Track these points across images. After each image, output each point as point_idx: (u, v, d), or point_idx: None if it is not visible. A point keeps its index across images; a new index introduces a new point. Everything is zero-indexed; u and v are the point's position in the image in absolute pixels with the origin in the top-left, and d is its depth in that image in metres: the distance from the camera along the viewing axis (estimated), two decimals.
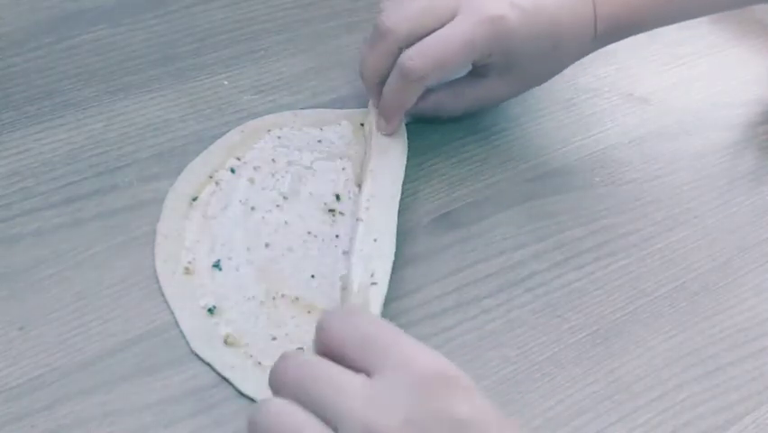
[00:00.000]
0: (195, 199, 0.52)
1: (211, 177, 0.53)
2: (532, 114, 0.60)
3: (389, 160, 0.53)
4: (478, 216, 0.54)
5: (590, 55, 0.64)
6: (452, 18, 0.51)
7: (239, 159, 0.54)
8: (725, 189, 0.58)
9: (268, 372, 0.44)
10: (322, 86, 0.60)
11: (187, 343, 0.45)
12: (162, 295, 0.47)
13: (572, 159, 0.57)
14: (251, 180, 0.53)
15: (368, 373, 0.35)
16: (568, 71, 0.63)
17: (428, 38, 0.50)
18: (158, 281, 0.48)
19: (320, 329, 0.38)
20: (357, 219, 0.50)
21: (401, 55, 0.51)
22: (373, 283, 0.47)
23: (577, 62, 0.64)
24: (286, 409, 0.35)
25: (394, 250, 0.49)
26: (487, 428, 0.34)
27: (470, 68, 0.56)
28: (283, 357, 0.38)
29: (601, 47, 0.57)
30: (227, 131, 0.55)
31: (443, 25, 0.51)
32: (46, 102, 0.55)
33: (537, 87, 0.61)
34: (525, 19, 0.51)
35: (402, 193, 0.53)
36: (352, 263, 0.48)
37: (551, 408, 0.46)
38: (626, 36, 0.57)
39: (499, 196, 0.55)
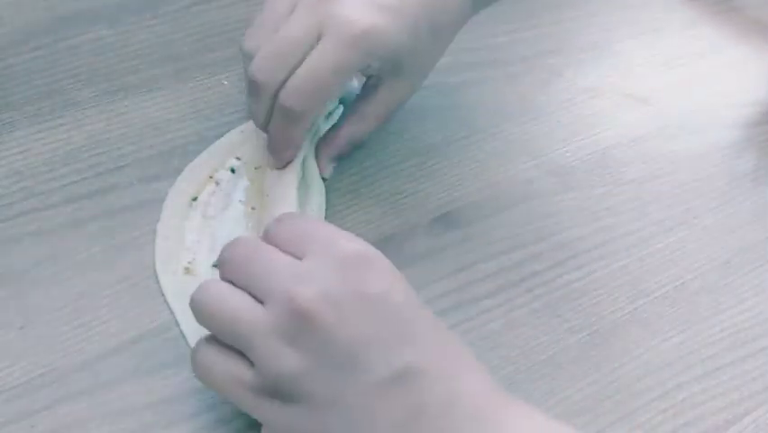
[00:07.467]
0: (195, 199, 0.51)
1: (211, 177, 0.53)
2: (532, 114, 0.60)
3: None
4: (478, 216, 0.54)
5: (591, 55, 0.65)
6: (317, 40, 0.47)
7: (239, 159, 0.54)
8: (725, 189, 0.58)
9: None
10: None
11: (187, 343, 0.45)
12: (162, 295, 0.47)
13: (572, 159, 0.57)
14: (252, 180, 0.53)
15: (299, 258, 0.39)
16: (568, 71, 0.63)
17: (299, 71, 0.47)
18: (158, 281, 0.48)
19: (266, 231, 0.42)
20: None
21: (279, 96, 0.48)
22: None
23: (577, 62, 0.64)
24: (222, 290, 0.40)
25: None
26: (396, 304, 0.38)
27: (361, 79, 0.53)
28: (231, 242, 0.42)
29: (483, 8, 0.54)
30: (227, 131, 0.55)
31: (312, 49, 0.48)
32: (46, 102, 0.55)
33: (536, 88, 0.61)
34: (397, 19, 0.48)
35: (402, 193, 0.54)
36: None
37: (551, 408, 0.46)
38: None
39: (499, 196, 0.55)
